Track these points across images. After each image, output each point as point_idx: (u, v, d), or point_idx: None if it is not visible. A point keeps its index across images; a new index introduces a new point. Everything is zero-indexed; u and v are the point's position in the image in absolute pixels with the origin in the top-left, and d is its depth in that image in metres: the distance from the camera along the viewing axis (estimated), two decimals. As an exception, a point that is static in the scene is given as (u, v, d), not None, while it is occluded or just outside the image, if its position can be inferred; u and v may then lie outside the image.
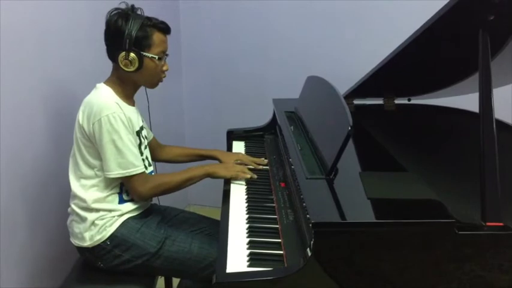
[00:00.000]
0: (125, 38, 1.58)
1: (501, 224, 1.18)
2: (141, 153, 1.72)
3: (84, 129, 1.59)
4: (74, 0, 1.93)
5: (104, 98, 1.60)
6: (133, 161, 1.61)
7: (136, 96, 1.78)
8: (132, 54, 1.59)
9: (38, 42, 1.75)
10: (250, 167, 1.89)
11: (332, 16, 2.76)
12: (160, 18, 1.67)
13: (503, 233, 1.18)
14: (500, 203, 1.20)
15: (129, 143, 1.60)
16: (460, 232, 1.16)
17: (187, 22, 3.05)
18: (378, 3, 2.63)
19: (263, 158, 2.00)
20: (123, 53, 1.59)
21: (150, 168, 1.81)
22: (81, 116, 1.61)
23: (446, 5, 1.35)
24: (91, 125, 1.57)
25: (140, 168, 1.63)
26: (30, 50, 1.71)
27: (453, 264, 1.19)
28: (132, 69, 1.61)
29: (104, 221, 1.65)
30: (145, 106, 1.86)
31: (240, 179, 1.79)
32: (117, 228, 1.66)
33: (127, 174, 1.60)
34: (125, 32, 1.58)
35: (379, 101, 2.28)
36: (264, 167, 1.94)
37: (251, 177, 1.78)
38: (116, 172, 1.59)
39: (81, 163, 1.65)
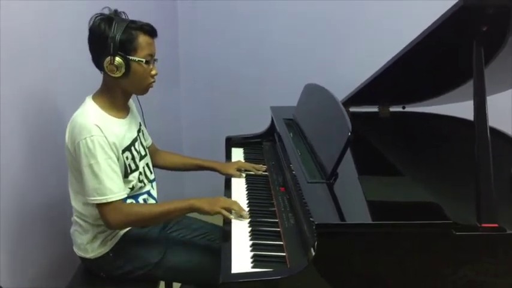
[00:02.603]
0: (109, 42, 1.50)
1: (496, 225, 1.23)
2: (137, 167, 1.69)
3: (69, 148, 1.57)
4: (74, 8, 1.96)
5: (85, 118, 1.53)
6: (111, 188, 1.52)
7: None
8: (117, 59, 1.51)
9: (37, 50, 1.76)
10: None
11: (330, 24, 2.82)
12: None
13: (497, 234, 1.23)
14: (494, 205, 1.25)
15: (107, 168, 1.52)
16: (456, 233, 1.21)
17: (186, 29, 3.07)
18: (375, 12, 2.70)
19: (261, 165, 2.04)
20: (108, 58, 1.51)
21: (152, 176, 1.81)
22: (67, 136, 1.58)
23: (441, 17, 1.40)
24: (73, 147, 1.54)
25: (117, 196, 1.54)
26: (28, 59, 1.71)
27: (450, 266, 1.24)
28: (118, 74, 1.53)
29: (106, 233, 1.66)
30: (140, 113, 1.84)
31: (223, 216, 1.61)
32: (119, 240, 1.67)
33: (104, 201, 1.52)
34: (109, 35, 1.50)
35: (374, 109, 2.34)
36: (264, 173, 1.98)
37: (240, 213, 1.61)
38: (92, 198, 1.53)
39: (74, 180, 1.62)
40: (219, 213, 1.60)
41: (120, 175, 1.59)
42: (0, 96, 1.58)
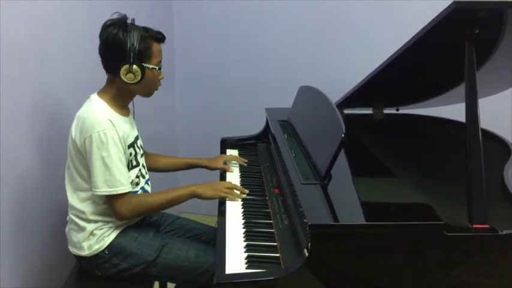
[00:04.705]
0: (129, 51, 1.56)
1: (487, 226, 1.24)
2: (138, 163, 1.74)
3: (76, 143, 1.59)
4: (73, 12, 1.96)
5: (96, 113, 1.59)
6: (121, 180, 1.59)
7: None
8: (135, 67, 1.57)
9: (36, 52, 1.77)
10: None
11: (326, 26, 2.83)
12: (153, 25, 1.68)
13: (489, 235, 1.24)
14: (486, 206, 1.26)
15: (118, 161, 1.58)
16: (448, 234, 1.22)
17: (181, 32, 3.10)
18: (370, 14, 2.71)
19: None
20: (126, 66, 1.57)
21: (147, 176, 1.84)
22: (73, 131, 1.61)
23: (434, 19, 1.41)
24: (83, 140, 1.57)
25: (127, 188, 1.61)
26: (28, 60, 1.73)
27: (442, 267, 1.25)
28: (135, 81, 1.60)
29: (103, 230, 1.67)
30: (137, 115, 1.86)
31: (229, 199, 1.74)
32: (115, 238, 1.68)
33: (114, 193, 1.58)
34: (127, 44, 1.56)
35: (368, 111, 2.35)
36: (257, 174, 1.99)
37: (241, 193, 1.77)
38: (102, 189, 1.58)
39: (76, 176, 1.65)
40: (222, 197, 1.73)
41: (127, 169, 1.65)
42: (0, 96, 1.59)
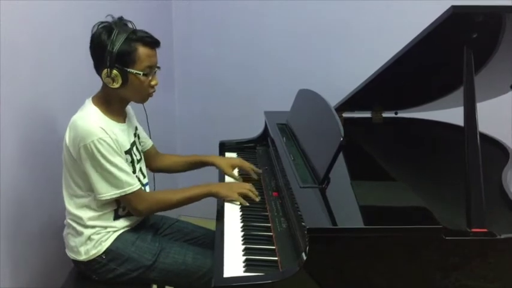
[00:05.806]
0: (106, 55, 1.51)
1: (485, 230, 1.24)
2: (134, 170, 1.72)
3: (70, 151, 1.58)
4: (71, 15, 1.96)
5: (88, 121, 1.55)
6: (128, 180, 1.59)
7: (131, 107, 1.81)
8: (114, 71, 1.52)
9: (33, 56, 1.76)
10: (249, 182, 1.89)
11: (324, 30, 2.83)
12: (152, 26, 1.64)
13: (487, 239, 1.24)
14: (484, 210, 1.26)
15: (119, 163, 1.57)
16: (446, 238, 1.22)
17: (180, 34, 3.10)
18: (369, 17, 2.71)
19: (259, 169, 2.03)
20: (106, 70, 1.52)
21: (145, 180, 1.83)
22: (67, 138, 1.59)
23: (432, 24, 1.42)
24: (77, 149, 1.55)
25: (135, 186, 1.61)
26: (25, 64, 1.72)
27: (441, 271, 1.25)
28: (115, 86, 1.55)
29: (100, 235, 1.66)
30: (143, 116, 1.86)
31: (241, 203, 1.72)
32: (112, 242, 1.67)
33: (123, 194, 1.59)
34: (107, 47, 1.51)
35: (367, 114, 2.35)
36: (256, 176, 1.99)
37: (254, 200, 1.74)
38: (109, 193, 1.58)
39: (71, 182, 1.64)
40: (234, 199, 1.72)
41: (130, 168, 1.65)
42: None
